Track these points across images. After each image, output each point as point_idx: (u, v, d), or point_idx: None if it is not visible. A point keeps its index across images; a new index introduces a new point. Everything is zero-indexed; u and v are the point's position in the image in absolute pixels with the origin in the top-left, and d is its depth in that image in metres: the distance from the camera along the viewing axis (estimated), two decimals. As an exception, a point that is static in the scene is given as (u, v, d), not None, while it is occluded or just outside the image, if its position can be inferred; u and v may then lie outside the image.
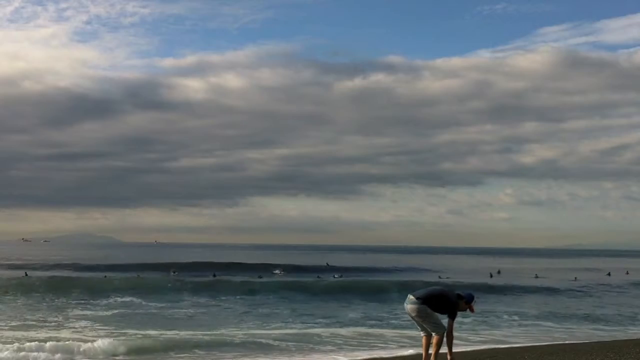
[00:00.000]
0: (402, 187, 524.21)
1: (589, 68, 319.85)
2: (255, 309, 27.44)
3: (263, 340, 17.95)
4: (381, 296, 32.89)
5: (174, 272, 50.78)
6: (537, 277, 55.28)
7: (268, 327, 21.58)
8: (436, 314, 10.61)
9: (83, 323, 21.82)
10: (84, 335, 18.69)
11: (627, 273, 64.63)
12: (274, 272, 56.13)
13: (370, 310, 27.35)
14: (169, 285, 36.96)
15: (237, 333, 19.58)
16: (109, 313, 25.07)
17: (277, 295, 33.34)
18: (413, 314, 10.57)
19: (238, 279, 42.29)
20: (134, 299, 30.21)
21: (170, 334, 19.09)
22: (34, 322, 21.77)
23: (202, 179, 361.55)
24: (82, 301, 29.21)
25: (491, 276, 54.65)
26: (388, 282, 39.63)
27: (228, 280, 40.81)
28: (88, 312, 25.06)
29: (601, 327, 23.62)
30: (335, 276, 51.75)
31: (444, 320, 10.71)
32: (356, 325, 22.22)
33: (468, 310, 10.96)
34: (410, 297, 10.65)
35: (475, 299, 11.11)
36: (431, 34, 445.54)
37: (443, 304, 10.58)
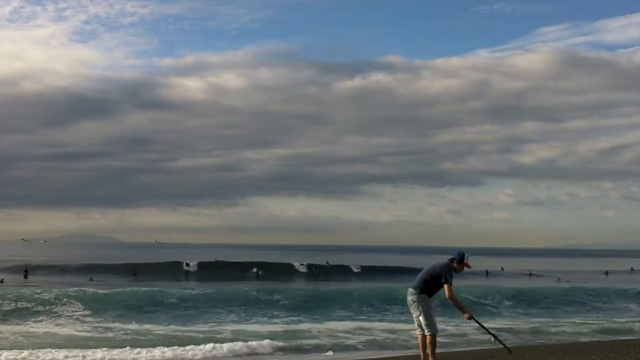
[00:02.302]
0: (401, 187, 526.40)
1: (588, 68, 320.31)
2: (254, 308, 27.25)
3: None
4: (378, 295, 32.77)
5: (258, 273, 48.80)
6: (530, 275, 55.68)
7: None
8: (432, 311, 10.62)
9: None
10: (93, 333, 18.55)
11: (632, 270, 64.47)
12: (295, 264, 56.44)
13: (366, 309, 27.32)
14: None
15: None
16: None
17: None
18: (413, 305, 10.65)
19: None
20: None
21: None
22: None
23: (201, 179, 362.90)
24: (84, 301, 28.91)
25: (487, 274, 54.63)
26: (386, 282, 39.55)
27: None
28: (89, 311, 24.89)
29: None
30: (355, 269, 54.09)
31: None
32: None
33: (465, 268, 10.75)
34: (410, 289, 10.80)
35: (466, 255, 10.71)
36: (430, 34, 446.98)
37: (437, 280, 10.57)
